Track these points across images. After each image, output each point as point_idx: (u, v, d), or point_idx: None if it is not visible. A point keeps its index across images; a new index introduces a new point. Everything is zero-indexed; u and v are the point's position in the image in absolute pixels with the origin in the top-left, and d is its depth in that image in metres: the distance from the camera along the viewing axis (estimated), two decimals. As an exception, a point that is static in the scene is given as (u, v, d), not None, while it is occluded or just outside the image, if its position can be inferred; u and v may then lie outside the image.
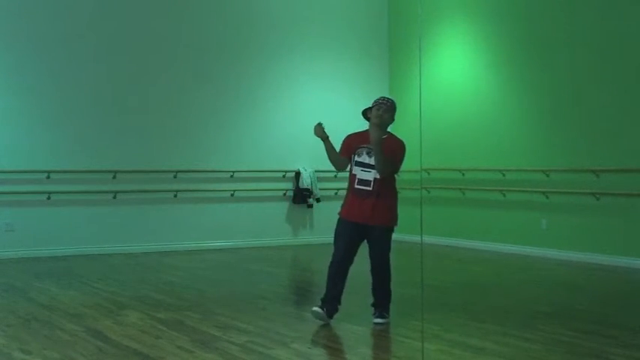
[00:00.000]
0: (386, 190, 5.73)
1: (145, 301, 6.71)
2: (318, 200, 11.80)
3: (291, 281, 8.89)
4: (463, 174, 11.15)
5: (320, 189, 11.80)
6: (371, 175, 5.69)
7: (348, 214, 5.78)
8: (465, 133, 11.19)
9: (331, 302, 5.75)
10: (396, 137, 5.82)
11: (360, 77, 12.35)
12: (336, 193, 11.72)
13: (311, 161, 11.67)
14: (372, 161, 5.67)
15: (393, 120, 5.82)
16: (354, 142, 5.83)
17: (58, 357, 4.80)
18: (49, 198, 10.03)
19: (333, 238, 5.85)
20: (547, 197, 9.92)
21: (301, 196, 11.70)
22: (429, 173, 11.57)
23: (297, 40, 11.95)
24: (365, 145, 5.73)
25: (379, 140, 5.53)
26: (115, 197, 10.48)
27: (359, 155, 5.74)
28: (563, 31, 9.85)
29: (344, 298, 5.84)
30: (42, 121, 10.12)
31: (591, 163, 9.36)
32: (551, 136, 9.99)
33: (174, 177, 10.86)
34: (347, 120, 12.26)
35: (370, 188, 5.68)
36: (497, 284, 8.04)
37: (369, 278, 8.03)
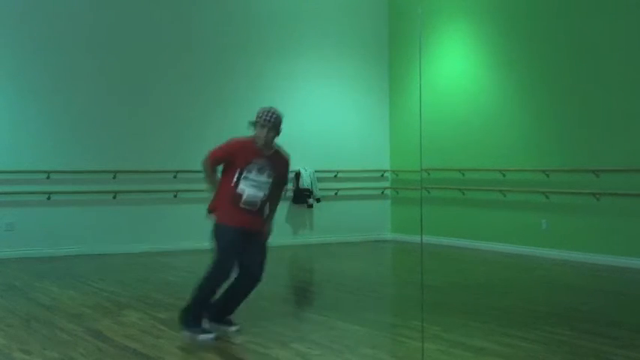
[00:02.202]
0: (267, 204, 5.54)
1: (145, 301, 6.71)
2: (318, 200, 11.78)
3: (291, 281, 8.89)
4: (463, 174, 11.14)
5: (320, 189, 11.77)
6: (259, 197, 5.38)
7: (234, 221, 5.41)
8: (465, 133, 11.18)
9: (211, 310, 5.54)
10: (281, 153, 5.53)
11: (360, 77, 12.33)
12: (336, 193, 11.71)
13: (311, 161, 11.65)
14: (262, 179, 5.36)
15: (278, 134, 5.44)
16: (239, 156, 5.41)
17: (58, 357, 4.79)
18: (49, 198, 10.03)
19: (219, 246, 5.50)
20: (547, 197, 9.91)
21: (301, 196, 11.68)
22: (429, 173, 11.56)
23: (297, 40, 11.94)
24: (255, 162, 5.36)
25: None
26: (115, 197, 10.48)
27: (249, 171, 5.35)
28: (563, 31, 9.84)
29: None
30: (42, 122, 10.12)
31: (591, 163, 9.35)
32: (551, 136, 9.98)
33: (174, 177, 10.86)
34: (347, 120, 12.38)
35: (257, 208, 5.41)
36: (497, 284, 8.03)
37: (366, 278, 8.03)
